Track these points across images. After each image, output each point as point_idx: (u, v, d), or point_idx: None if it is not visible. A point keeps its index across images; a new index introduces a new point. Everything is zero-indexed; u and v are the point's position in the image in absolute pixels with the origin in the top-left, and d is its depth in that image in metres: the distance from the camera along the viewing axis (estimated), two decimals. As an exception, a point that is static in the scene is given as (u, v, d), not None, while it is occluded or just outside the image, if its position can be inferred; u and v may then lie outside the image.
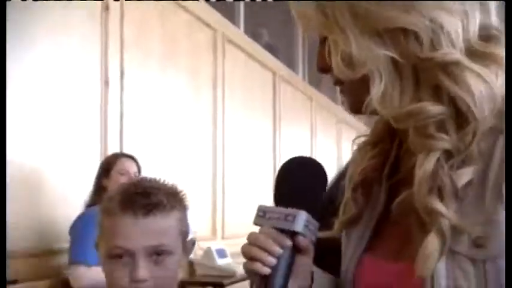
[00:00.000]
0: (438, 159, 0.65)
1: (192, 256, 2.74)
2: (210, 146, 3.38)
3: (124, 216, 0.99)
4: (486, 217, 0.62)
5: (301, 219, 0.77)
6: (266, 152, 4.09)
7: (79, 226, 2.11)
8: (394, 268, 0.71)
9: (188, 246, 1.09)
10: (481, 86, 0.64)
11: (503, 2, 0.63)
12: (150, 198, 1.01)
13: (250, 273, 0.79)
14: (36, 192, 2.15)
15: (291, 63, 4.92)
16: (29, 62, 2.12)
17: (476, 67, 0.65)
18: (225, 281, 2.76)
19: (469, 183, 0.63)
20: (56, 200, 2.22)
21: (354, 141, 0.84)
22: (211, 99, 3.41)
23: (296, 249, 0.78)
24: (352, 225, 0.82)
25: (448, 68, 0.65)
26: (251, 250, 0.78)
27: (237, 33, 3.86)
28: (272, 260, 0.76)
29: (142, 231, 1.00)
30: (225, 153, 3.50)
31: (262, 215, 0.80)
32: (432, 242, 0.62)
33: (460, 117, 0.65)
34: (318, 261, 0.90)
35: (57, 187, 2.24)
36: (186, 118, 3.10)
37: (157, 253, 1.01)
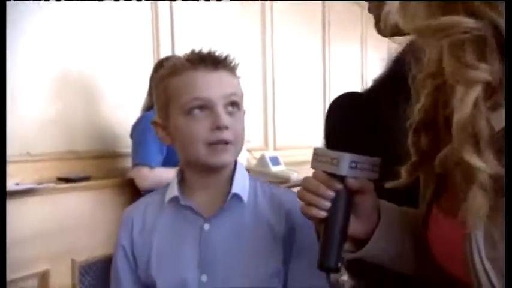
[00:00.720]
0: (476, 99, 0.55)
1: (245, 164, 2.81)
2: (259, 58, 3.34)
3: (196, 70, 1.01)
4: None
5: (345, 162, 0.75)
6: (315, 62, 4.01)
7: (139, 129, 2.14)
8: (452, 223, 0.64)
9: (243, 110, 1.10)
10: None
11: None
12: (217, 55, 1.03)
13: (310, 217, 0.78)
14: (95, 99, 2.22)
15: None
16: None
17: None
18: (280, 187, 2.81)
19: None
20: (114, 105, 2.29)
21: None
22: (259, 10, 3.33)
23: (350, 191, 0.76)
24: (418, 172, 0.74)
25: None
26: (305, 195, 0.78)
27: None
28: (326, 204, 0.75)
29: (216, 81, 1.01)
30: (275, 65, 3.46)
31: (315, 158, 0.79)
32: (475, 198, 0.56)
33: (500, 44, 0.54)
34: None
35: (114, 93, 2.29)
36: (235, 30, 3.05)
37: (231, 104, 1.02)
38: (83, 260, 1.93)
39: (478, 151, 0.55)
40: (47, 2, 1.96)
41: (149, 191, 2.13)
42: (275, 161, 2.89)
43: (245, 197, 1.07)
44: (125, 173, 2.24)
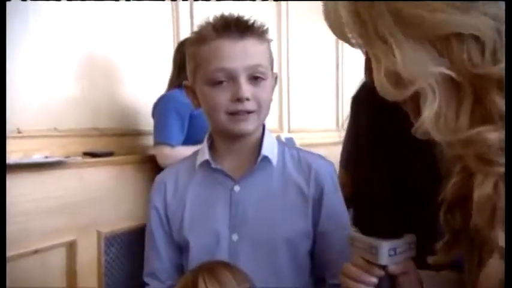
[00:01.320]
0: (496, 183, 0.56)
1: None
2: (274, 42, 3.37)
3: (221, 40, 0.99)
4: None
5: (384, 251, 0.73)
6: (329, 46, 4.03)
7: (160, 108, 2.17)
8: None
9: (274, 76, 1.10)
10: None
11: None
12: (244, 22, 1.01)
13: None
14: (119, 79, 2.28)
15: None
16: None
17: None
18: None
19: None
20: (137, 85, 2.35)
21: None
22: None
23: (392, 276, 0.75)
24: (453, 251, 0.73)
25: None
26: (348, 283, 0.77)
27: None
28: None
29: (241, 51, 1.00)
30: (290, 48, 3.49)
31: (351, 242, 0.78)
32: (494, 266, 0.57)
33: None
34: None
35: (137, 73, 2.35)
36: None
37: (255, 76, 1.01)
38: (108, 232, 2.00)
39: (495, 224, 0.56)
40: None
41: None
42: (291, 142, 2.95)
43: (274, 159, 1.10)
44: (146, 150, 2.30)
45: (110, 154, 2.01)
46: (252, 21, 1.02)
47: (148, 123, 2.25)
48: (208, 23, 1.03)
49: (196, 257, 1.07)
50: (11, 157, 1.67)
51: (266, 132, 1.11)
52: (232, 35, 1.00)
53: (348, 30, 0.58)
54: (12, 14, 1.73)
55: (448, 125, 0.56)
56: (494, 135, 0.54)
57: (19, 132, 1.77)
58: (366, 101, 1.29)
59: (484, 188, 0.56)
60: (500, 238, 0.54)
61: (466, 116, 0.55)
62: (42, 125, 1.89)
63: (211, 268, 0.95)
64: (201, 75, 1.03)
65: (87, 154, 1.97)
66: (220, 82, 1.01)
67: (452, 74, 0.53)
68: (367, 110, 1.27)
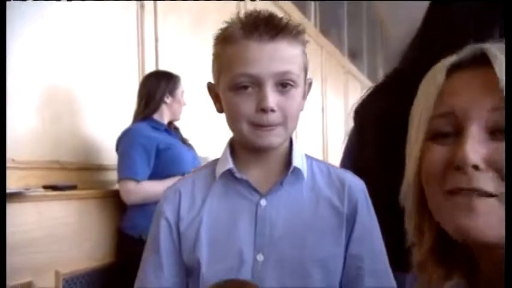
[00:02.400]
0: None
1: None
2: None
3: (248, 41, 0.88)
4: None
5: None
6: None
7: (124, 142, 2.11)
8: None
9: (308, 82, 0.99)
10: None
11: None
12: (276, 22, 0.89)
13: None
14: (81, 111, 2.19)
15: (305, 12, 4.97)
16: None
17: None
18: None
19: None
20: (100, 118, 2.27)
21: None
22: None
23: None
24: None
25: None
26: None
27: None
28: None
29: (269, 55, 0.88)
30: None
31: None
32: None
33: None
34: None
35: (100, 106, 2.28)
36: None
37: (283, 83, 0.90)
38: (67, 272, 1.84)
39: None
40: (39, 10, 1.97)
41: (137, 205, 2.10)
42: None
43: (305, 172, 0.98)
44: (109, 185, 2.20)
45: (72, 188, 1.89)
46: (285, 21, 0.91)
47: (111, 157, 2.16)
48: (237, 20, 0.92)
49: (212, 280, 0.91)
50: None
51: (293, 142, 1.01)
52: (261, 36, 0.89)
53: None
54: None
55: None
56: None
57: (-25, 161, 1.63)
58: (372, 114, 1.27)
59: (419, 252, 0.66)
60: None
61: None
62: (-1, 155, 1.76)
63: (242, 285, 0.86)
64: (224, 78, 0.92)
65: (47, 187, 1.84)
66: (245, 87, 0.90)
67: None
68: (374, 123, 1.26)
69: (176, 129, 2.34)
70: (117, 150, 2.14)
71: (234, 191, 0.98)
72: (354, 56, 7.19)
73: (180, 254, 0.98)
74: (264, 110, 0.88)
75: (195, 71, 2.69)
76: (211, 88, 0.98)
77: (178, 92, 2.25)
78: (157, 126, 2.19)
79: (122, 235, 2.09)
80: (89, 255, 1.93)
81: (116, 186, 2.11)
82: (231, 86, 0.90)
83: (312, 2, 5.27)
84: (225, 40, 0.92)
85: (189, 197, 1.00)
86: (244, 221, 0.96)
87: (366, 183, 1.03)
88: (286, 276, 0.94)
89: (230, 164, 0.96)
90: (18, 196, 1.67)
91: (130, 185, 2.05)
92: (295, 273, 0.94)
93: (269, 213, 0.96)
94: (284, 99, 0.90)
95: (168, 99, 2.22)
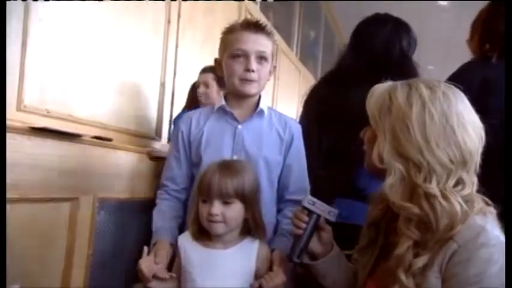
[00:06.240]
0: (408, 246, 0.89)
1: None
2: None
3: (242, 32, 1.41)
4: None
5: (310, 203, 1.20)
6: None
7: None
8: None
9: (273, 65, 1.53)
10: (444, 213, 0.86)
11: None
12: (259, 24, 1.44)
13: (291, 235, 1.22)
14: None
15: (288, 41, 5.60)
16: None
17: (443, 201, 0.87)
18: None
19: (424, 267, 0.87)
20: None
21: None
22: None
23: (317, 226, 1.19)
24: (362, 252, 1.12)
25: (428, 195, 0.90)
26: (293, 220, 1.21)
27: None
28: (301, 225, 1.19)
29: (254, 40, 1.41)
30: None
31: (304, 199, 1.24)
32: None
33: (429, 224, 0.88)
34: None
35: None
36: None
37: (260, 57, 1.41)
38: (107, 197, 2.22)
39: (406, 272, 0.89)
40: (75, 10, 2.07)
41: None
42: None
43: (265, 113, 1.55)
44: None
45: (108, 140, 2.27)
46: (264, 25, 1.46)
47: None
48: (237, 22, 1.47)
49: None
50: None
51: (261, 97, 1.59)
52: (251, 29, 1.41)
53: (373, 119, 0.99)
54: None
55: (396, 193, 0.93)
56: (417, 211, 0.89)
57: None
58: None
59: (400, 247, 0.91)
60: (405, 282, 0.88)
61: (406, 195, 0.91)
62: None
63: (230, 160, 1.43)
64: (227, 52, 1.45)
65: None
66: (239, 56, 1.41)
67: (406, 173, 0.92)
68: (315, 101, 1.90)
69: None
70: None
71: (223, 119, 1.52)
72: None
73: (190, 154, 1.54)
74: (248, 71, 1.41)
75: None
76: (217, 61, 1.54)
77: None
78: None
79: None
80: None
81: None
82: (230, 56, 1.43)
83: (296, 34, 5.87)
84: (228, 31, 1.48)
85: (196, 120, 1.55)
86: (228, 136, 1.49)
87: (305, 135, 1.65)
88: None
89: (223, 102, 1.52)
90: (75, 137, 1.96)
91: None
92: (252, 163, 1.47)
93: (242, 132, 1.49)
94: (260, 67, 1.44)
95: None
